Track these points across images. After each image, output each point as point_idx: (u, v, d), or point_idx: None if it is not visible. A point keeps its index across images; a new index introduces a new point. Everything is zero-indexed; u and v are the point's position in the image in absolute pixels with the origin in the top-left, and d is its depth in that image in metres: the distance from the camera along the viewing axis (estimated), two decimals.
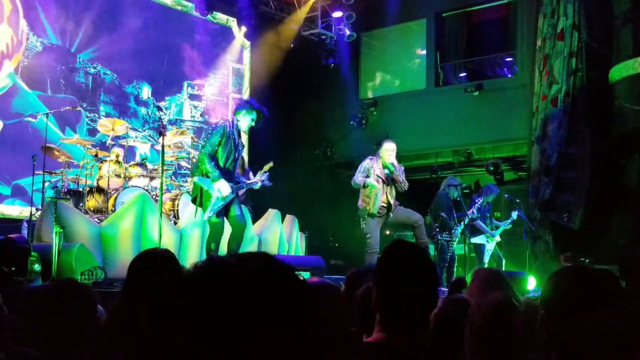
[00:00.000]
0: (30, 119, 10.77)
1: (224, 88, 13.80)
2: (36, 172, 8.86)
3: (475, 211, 9.66)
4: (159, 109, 8.60)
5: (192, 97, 13.16)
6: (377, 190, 8.25)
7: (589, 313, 1.61)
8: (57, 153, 9.10)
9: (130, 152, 10.05)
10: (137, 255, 3.08)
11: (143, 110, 12.36)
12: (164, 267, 2.71)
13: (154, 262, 2.87)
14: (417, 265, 2.08)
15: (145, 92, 12.36)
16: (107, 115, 11.36)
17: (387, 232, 11.26)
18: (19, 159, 10.39)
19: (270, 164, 8.37)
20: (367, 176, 8.35)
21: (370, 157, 8.59)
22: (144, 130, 12.11)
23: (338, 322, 2.19)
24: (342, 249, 13.24)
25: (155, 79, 12.51)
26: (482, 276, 3.32)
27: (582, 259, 8.94)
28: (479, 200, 9.80)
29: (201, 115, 13.33)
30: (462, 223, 9.56)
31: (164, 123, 7.95)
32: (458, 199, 9.65)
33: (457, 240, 9.56)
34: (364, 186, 8.30)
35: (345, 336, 2.18)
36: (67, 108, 9.93)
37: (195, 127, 12.86)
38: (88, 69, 11.58)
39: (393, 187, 8.41)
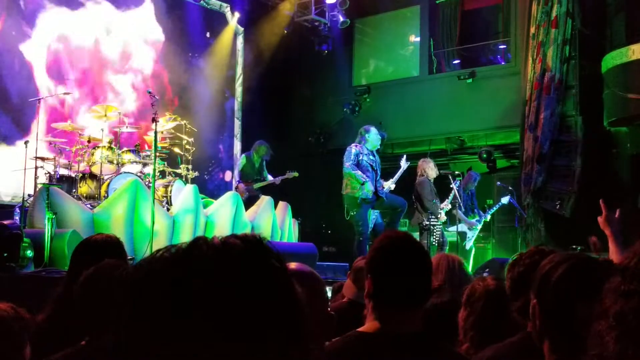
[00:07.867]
0: None
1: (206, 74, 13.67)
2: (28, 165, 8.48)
3: (449, 203, 9.63)
4: (151, 94, 8.43)
5: None
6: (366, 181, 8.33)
7: (584, 303, 1.61)
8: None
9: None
10: (78, 244, 3.11)
11: None
12: (107, 254, 2.70)
13: (97, 250, 2.88)
14: (409, 256, 2.08)
15: None
16: None
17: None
18: None
19: (296, 174, 10.30)
20: (357, 163, 8.43)
21: (354, 144, 8.66)
22: None
23: (318, 308, 2.19)
24: (334, 236, 13.25)
25: None
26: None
27: (574, 246, 8.98)
28: (455, 184, 9.77)
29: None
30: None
31: (156, 109, 7.92)
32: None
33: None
34: (362, 184, 8.36)
35: (324, 320, 2.17)
36: (60, 94, 9.67)
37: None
38: None
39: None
